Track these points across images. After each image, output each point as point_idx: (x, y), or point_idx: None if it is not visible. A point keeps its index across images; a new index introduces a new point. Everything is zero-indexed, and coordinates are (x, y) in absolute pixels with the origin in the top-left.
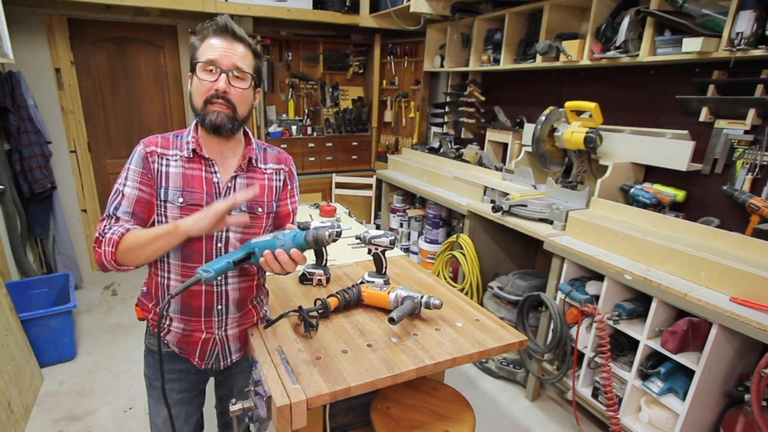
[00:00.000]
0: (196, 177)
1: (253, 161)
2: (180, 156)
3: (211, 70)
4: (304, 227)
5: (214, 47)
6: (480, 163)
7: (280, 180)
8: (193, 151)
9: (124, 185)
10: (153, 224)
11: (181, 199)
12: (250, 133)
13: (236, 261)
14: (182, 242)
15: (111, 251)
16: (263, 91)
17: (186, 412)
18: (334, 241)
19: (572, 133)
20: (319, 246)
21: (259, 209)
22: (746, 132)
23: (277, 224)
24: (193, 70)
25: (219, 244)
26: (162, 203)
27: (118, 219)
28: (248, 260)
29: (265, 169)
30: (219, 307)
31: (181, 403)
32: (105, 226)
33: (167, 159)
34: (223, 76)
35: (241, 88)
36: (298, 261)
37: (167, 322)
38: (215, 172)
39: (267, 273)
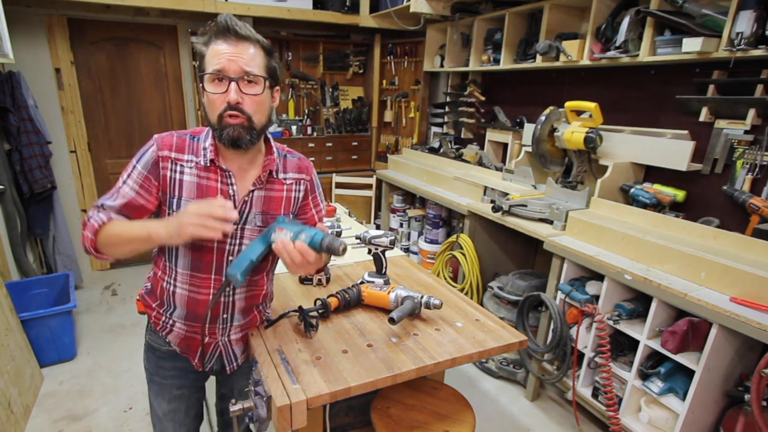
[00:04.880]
0: (211, 188)
1: (274, 173)
2: (195, 163)
3: (219, 80)
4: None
5: (218, 54)
6: (480, 163)
7: (300, 191)
8: (211, 160)
9: (125, 182)
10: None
11: None
12: (271, 140)
13: (259, 259)
14: (192, 253)
15: (91, 238)
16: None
17: (186, 405)
18: (341, 254)
19: (572, 133)
20: (330, 254)
21: None
22: (746, 132)
23: None
24: (201, 81)
25: (230, 258)
26: (173, 213)
27: (106, 211)
28: (269, 253)
29: (285, 179)
30: (225, 315)
31: (181, 398)
32: (91, 212)
33: (181, 165)
34: (233, 85)
35: (254, 94)
36: (306, 258)
37: (170, 322)
38: (231, 184)
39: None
